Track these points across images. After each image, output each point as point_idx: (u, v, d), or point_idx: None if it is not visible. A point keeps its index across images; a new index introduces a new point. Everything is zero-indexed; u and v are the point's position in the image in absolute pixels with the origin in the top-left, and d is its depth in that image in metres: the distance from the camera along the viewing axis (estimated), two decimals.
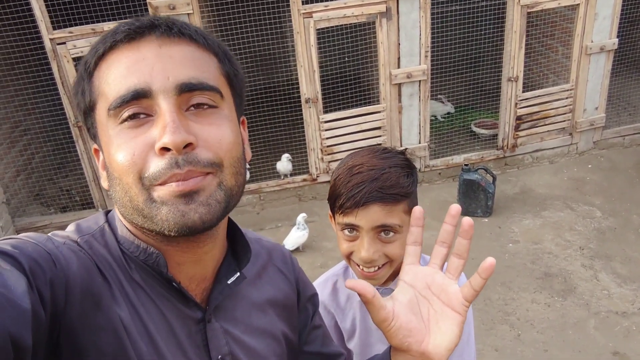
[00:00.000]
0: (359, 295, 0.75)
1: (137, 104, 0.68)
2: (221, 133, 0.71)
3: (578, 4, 4.72)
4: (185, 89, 0.69)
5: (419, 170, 5.10)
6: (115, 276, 0.72)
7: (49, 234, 0.71)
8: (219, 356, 0.80)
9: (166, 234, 0.69)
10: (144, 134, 0.68)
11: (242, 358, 0.83)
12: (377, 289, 1.29)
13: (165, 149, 0.66)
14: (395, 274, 1.32)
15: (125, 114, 0.68)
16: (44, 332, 0.59)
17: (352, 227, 1.20)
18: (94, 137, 0.75)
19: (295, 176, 5.01)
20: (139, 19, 0.72)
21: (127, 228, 0.76)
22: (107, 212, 0.81)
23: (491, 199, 4.53)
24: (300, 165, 5.03)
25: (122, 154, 0.68)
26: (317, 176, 4.98)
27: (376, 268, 1.22)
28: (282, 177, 5.00)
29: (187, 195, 0.68)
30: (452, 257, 0.79)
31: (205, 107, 0.71)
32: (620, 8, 4.82)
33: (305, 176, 5.00)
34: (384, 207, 1.16)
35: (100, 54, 0.71)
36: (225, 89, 0.75)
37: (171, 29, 0.71)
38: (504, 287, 3.73)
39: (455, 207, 0.77)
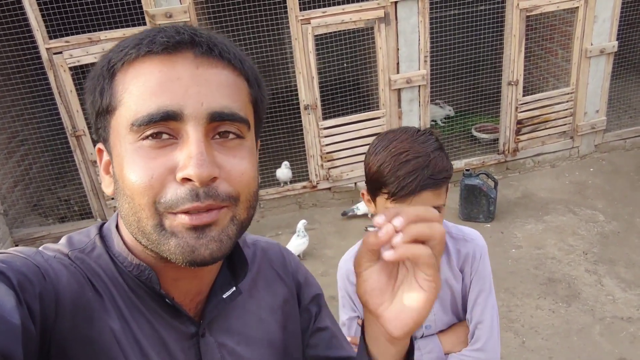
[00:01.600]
0: (365, 242, 0.68)
1: (164, 125, 0.65)
2: (243, 167, 0.69)
3: (577, 7, 4.70)
4: (217, 118, 0.66)
5: None
6: (107, 289, 0.70)
7: (39, 248, 0.70)
8: None
9: (173, 262, 0.67)
10: (165, 156, 0.65)
11: None
12: None
13: (187, 179, 0.64)
14: None
15: (149, 132, 0.65)
16: (34, 347, 0.58)
17: None
18: (104, 140, 0.72)
19: (295, 183, 4.98)
20: (179, 30, 0.68)
21: (123, 242, 0.74)
22: (101, 225, 0.79)
23: (493, 204, 4.50)
24: (300, 173, 5.00)
25: (138, 175, 0.65)
26: (317, 183, 4.95)
27: None
28: (282, 185, 4.97)
29: (199, 229, 0.66)
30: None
31: (231, 135, 0.69)
32: (619, 10, 4.81)
33: (305, 183, 4.97)
34: (434, 191, 1.24)
35: (131, 59, 0.67)
36: (251, 117, 0.73)
37: (212, 51, 0.68)
38: (507, 294, 3.69)
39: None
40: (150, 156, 0.65)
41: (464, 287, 1.51)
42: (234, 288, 0.81)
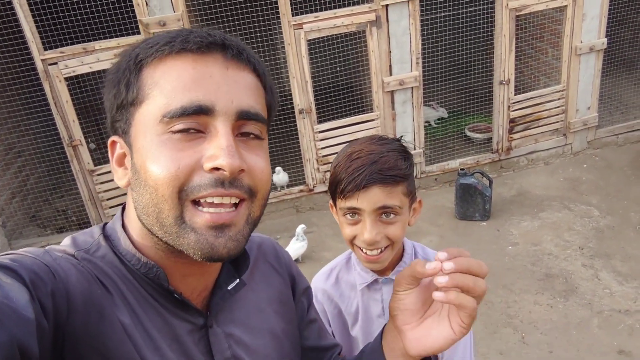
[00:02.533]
0: (412, 267, 0.75)
1: (195, 119, 0.68)
2: (264, 165, 0.74)
3: (566, 5, 4.76)
4: (244, 117, 0.71)
5: (415, 176, 5.11)
6: (115, 286, 0.72)
7: (46, 248, 0.71)
8: None
9: (190, 256, 0.70)
10: (192, 149, 0.68)
11: (245, 359, 0.84)
12: (376, 279, 1.36)
13: (215, 169, 0.67)
14: (394, 264, 1.35)
15: (180, 126, 0.68)
16: (48, 343, 0.59)
17: (354, 211, 1.23)
18: (124, 132, 0.73)
19: (291, 187, 5.01)
20: (210, 32, 0.72)
21: (130, 240, 0.76)
22: (104, 225, 0.80)
23: (488, 202, 4.53)
24: (297, 176, 5.02)
25: (164, 165, 0.67)
26: (313, 187, 4.98)
27: (379, 251, 1.24)
28: (279, 189, 4.99)
29: (219, 228, 0.69)
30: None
31: (251, 136, 0.73)
32: (607, 8, 4.86)
33: (301, 187, 5.00)
34: (384, 188, 1.19)
35: (164, 55, 0.69)
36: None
37: (241, 54, 0.72)
38: (505, 290, 3.72)
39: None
40: (178, 148, 0.68)
41: None
42: (238, 280, 0.84)
